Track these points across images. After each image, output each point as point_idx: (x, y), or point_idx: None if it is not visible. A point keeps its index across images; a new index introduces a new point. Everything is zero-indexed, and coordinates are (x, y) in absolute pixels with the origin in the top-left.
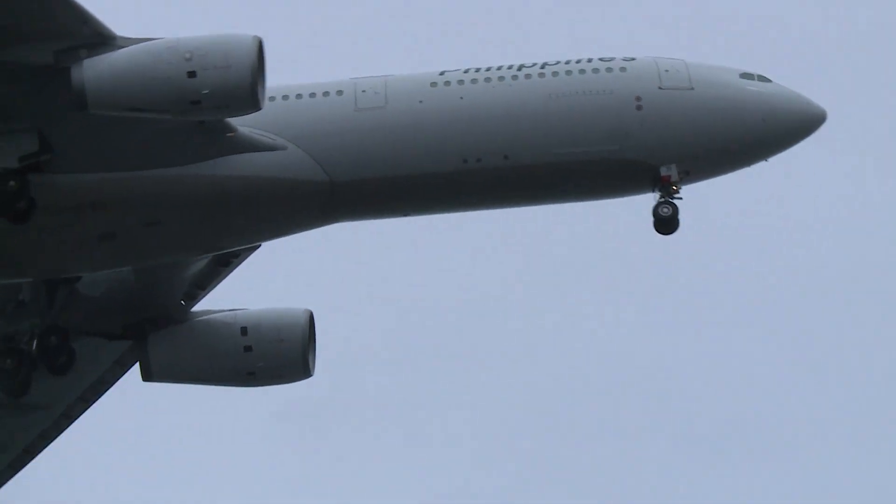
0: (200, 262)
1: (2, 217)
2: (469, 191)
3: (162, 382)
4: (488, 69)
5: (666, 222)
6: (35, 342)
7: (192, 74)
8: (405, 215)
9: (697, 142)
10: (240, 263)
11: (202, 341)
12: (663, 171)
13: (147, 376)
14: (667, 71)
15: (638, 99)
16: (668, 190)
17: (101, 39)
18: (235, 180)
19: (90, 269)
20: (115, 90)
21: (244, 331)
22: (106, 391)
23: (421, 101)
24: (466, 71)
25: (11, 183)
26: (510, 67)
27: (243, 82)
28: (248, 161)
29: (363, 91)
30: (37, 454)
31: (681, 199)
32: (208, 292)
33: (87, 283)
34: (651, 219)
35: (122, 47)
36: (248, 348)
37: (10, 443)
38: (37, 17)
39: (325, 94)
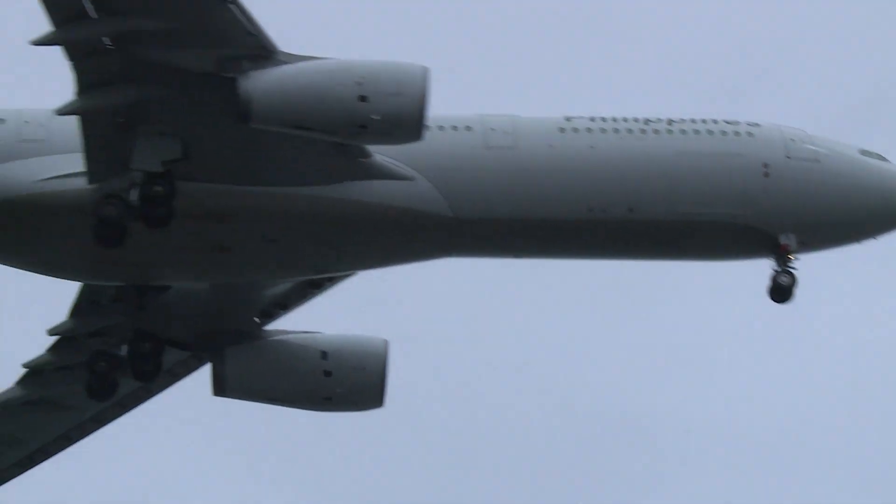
0: (288, 282)
1: (141, 221)
2: (589, 240)
3: (234, 398)
4: (614, 119)
5: (784, 291)
6: (127, 346)
7: (363, 99)
8: (517, 258)
9: (818, 214)
10: (332, 287)
11: (282, 361)
12: (782, 240)
13: (220, 391)
14: (792, 140)
15: (765, 166)
16: (784, 259)
17: (265, 52)
18: (362, 205)
19: (195, 279)
20: (284, 106)
21: (324, 355)
22: (147, 399)
23: (551, 146)
24: (592, 119)
25: (158, 188)
26: (636, 120)
27: (413, 111)
28: (376, 188)
29: (492, 129)
30: (51, 456)
31: (796, 269)
32: (289, 312)
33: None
34: (769, 285)
35: (285, 62)
36: (327, 373)
37: (26, 439)
38: (204, 22)
39: (454, 128)
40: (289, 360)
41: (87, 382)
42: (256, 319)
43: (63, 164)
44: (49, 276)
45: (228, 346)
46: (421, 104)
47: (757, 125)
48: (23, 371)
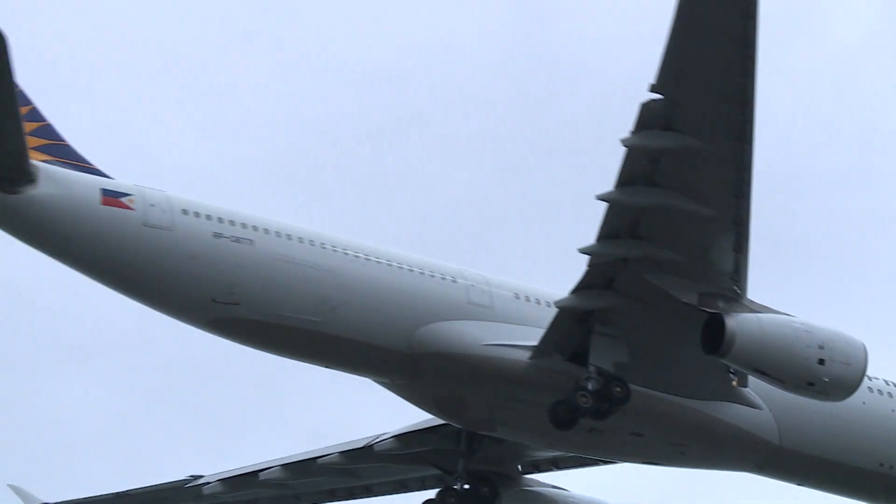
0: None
1: (588, 417)
2: (852, 484)
3: None
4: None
5: None
6: (463, 484)
7: (821, 362)
8: (800, 486)
9: None
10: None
11: None
12: None
13: None
14: None
15: None
16: None
17: (736, 296)
18: (720, 423)
19: (550, 447)
20: (758, 352)
21: None
22: None
23: (864, 403)
24: (886, 382)
25: (617, 389)
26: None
27: (854, 382)
28: (735, 411)
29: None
30: None
31: None
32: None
33: None
34: None
35: (750, 308)
36: None
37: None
38: (707, 262)
39: None
40: None
41: None
42: (520, 468)
43: (506, 333)
44: (437, 416)
45: (501, 487)
46: (861, 377)
47: None
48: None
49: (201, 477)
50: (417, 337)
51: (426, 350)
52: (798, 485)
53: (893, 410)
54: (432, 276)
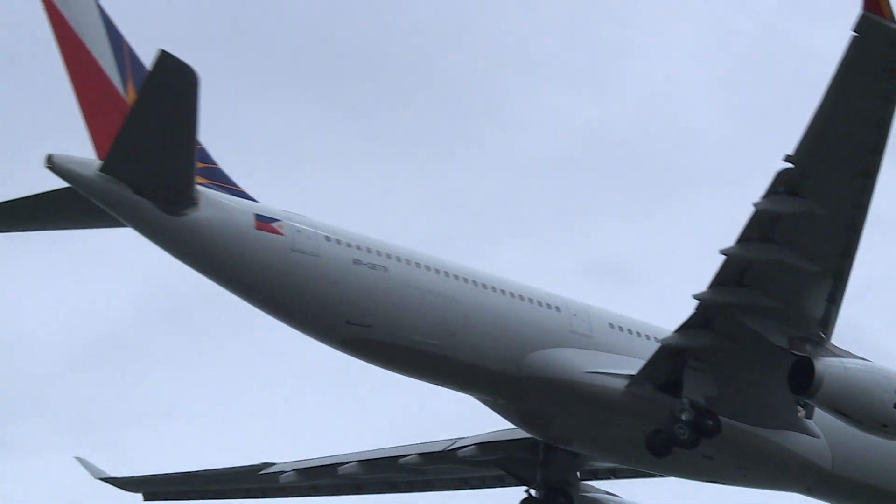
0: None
1: (680, 446)
2: None
3: None
4: None
5: None
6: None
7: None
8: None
9: None
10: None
11: None
12: None
13: None
14: None
15: None
16: None
17: (822, 340)
18: (783, 450)
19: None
20: (842, 395)
21: None
22: None
23: None
24: None
25: (710, 423)
26: None
27: None
28: (797, 439)
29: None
30: None
31: None
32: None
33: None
34: None
35: (832, 352)
36: None
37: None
38: (801, 309)
39: None
40: None
41: None
42: (578, 475)
43: (603, 361)
44: (524, 429)
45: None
46: None
47: None
48: None
49: (273, 465)
50: (526, 362)
51: (533, 374)
52: None
53: None
54: (540, 305)
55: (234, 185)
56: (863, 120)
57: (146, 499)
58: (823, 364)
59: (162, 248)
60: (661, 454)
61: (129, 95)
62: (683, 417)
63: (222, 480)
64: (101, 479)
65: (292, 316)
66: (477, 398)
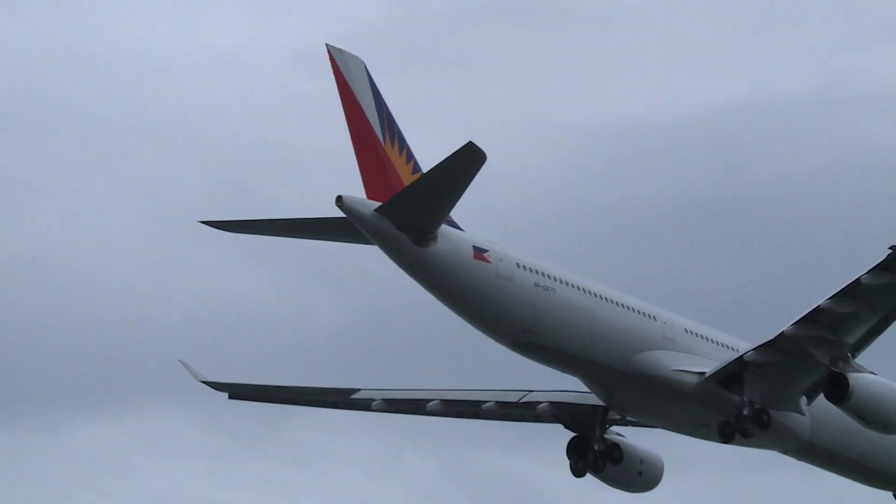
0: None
1: (742, 434)
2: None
3: None
4: None
5: None
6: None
7: None
8: (820, 468)
9: None
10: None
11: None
12: None
13: None
14: None
15: None
16: None
17: (849, 358)
18: (781, 426)
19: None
20: (864, 404)
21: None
22: None
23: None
24: None
25: (765, 418)
26: None
27: None
28: (793, 417)
29: None
30: None
31: None
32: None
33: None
34: None
35: (858, 370)
36: (640, 472)
37: None
38: (849, 337)
39: None
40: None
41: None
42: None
43: (684, 361)
44: (609, 406)
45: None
46: None
47: None
48: None
49: (359, 390)
50: (633, 361)
51: (637, 371)
52: (819, 467)
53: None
54: (645, 315)
55: (450, 216)
56: None
57: (231, 397)
58: (854, 379)
59: (405, 271)
60: (728, 440)
61: (386, 146)
62: (745, 413)
63: (312, 399)
64: (202, 381)
65: (486, 324)
66: (587, 384)
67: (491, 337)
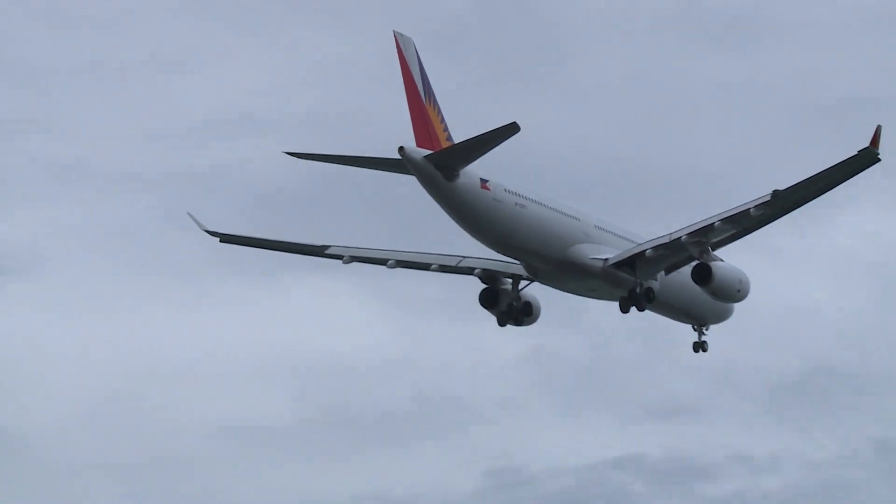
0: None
1: (636, 307)
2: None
3: None
4: None
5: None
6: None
7: (738, 290)
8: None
9: None
10: None
11: None
12: None
13: None
14: None
15: None
16: None
17: (710, 251)
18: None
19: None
20: (720, 285)
21: None
22: None
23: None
24: None
25: (651, 294)
26: None
27: (743, 298)
28: (654, 285)
29: None
30: None
31: None
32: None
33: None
34: None
35: (712, 257)
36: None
37: None
38: (715, 238)
39: None
40: None
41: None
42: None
43: (595, 251)
44: (534, 278)
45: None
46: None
47: None
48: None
49: (331, 246)
50: (566, 252)
51: (568, 260)
52: (659, 314)
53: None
54: (573, 218)
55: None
56: None
57: (221, 241)
58: (715, 267)
59: (433, 198)
60: (624, 310)
61: (428, 108)
62: (638, 291)
63: (293, 248)
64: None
65: (480, 234)
66: (528, 269)
67: (480, 241)
